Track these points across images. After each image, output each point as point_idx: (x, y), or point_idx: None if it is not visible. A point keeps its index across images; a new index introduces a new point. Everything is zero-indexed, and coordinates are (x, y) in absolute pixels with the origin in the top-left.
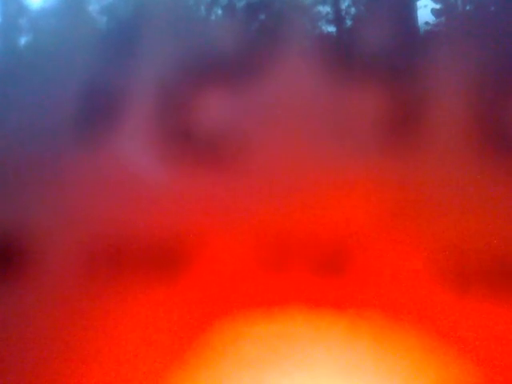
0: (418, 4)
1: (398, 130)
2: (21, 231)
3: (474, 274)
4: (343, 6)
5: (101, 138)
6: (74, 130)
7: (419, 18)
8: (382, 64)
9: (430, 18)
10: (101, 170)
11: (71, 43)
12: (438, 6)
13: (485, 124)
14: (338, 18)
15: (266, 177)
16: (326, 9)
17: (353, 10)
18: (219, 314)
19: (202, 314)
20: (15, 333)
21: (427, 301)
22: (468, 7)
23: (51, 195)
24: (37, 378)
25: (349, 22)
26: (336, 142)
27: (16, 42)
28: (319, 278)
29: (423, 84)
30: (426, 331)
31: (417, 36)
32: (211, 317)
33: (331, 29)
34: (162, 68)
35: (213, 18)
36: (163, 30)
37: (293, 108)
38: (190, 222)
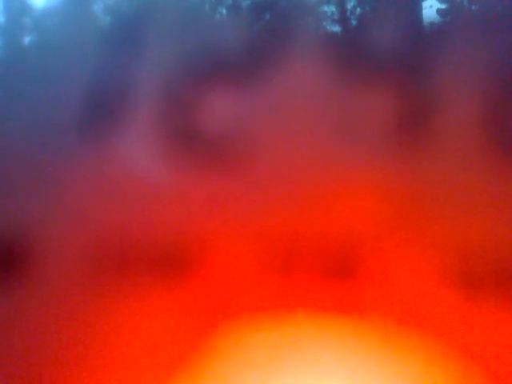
0: (424, 4)
1: (406, 132)
2: (23, 232)
3: (483, 278)
4: (348, 5)
5: (105, 138)
6: (78, 131)
7: (425, 19)
8: (388, 64)
9: (436, 19)
10: (105, 171)
11: (75, 42)
12: (443, 7)
13: (493, 126)
14: (343, 18)
15: (272, 180)
16: (331, 9)
17: (358, 10)
18: (224, 317)
19: (207, 318)
20: (17, 336)
21: (435, 305)
22: (474, 7)
23: (54, 196)
24: (39, 380)
25: (354, 22)
26: (343, 144)
27: (19, 41)
28: (325, 281)
29: (429, 85)
30: (434, 336)
31: (422, 36)
32: (216, 320)
33: (336, 29)
34: (166, 68)
35: (217, 17)
36: (168, 30)
37: (298, 109)
38: (195, 225)
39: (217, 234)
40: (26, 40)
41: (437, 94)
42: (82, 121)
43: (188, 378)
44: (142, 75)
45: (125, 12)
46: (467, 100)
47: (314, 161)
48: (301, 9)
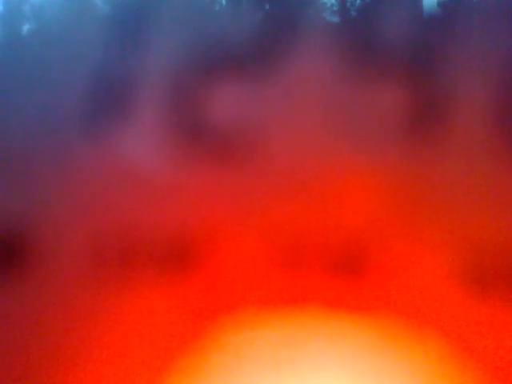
0: None
1: (414, 127)
2: (28, 226)
3: (495, 277)
4: None
5: (108, 131)
6: (80, 123)
7: (425, 10)
8: (387, 56)
9: (436, 9)
10: (108, 164)
11: (75, 31)
12: None
13: (502, 121)
14: (342, 9)
15: (281, 174)
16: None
17: (358, 1)
18: (228, 312)
19: (211, 312)
20: (18, 327)
21: (445, 304)
22: None
23: (56, 190)
24: (41, 373)
25: (354, 13)
26: (348, 139)
27: (19, 31)
28: (332, 278)
29: (432, 76)
30: (444, 334)
31: (423, 28)
32: (220, 315)
33: (336, 19)
34: (165, 58)
35: (217, 7)
36: (166, 18)
37: (301, 102)
38: (200, 219)
39: (222, 228)
40: (26, 29)
41: (440, 85)
42: (84, 112)
43: (190, 371)
44: (143, 65)
45: (125, 1)
46: (472, 91)
47: (321, 156)
48: None
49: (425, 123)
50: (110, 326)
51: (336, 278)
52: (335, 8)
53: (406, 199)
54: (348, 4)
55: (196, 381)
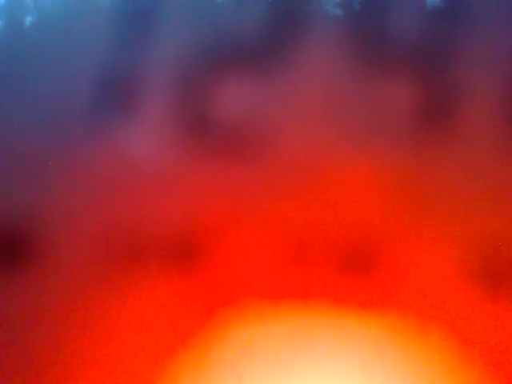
0: None
1: (423, 123)
2: (34, 221)
3: (501, 275)
4: None
5: (114, 124)
6: (84, 115)
7: (428, 1)
8: (390, 48)
9: (439, 2)
10: (115, 160)
11: (77, 23)
12: None
13: (509, 117)
14: (345, 2)
15: (288, 170)
16: None
17: None
18: (235, 307)
19: (218, 308)
20: (23, 322)
21: (452, 301)
22: None
23: (65, 184)
24: (44, 369)
25: (357, 6)
26: (358, 135)
27: (21, 22)
28: (340, 274)
29: (436, 70)
30: (450, 332)
31: (425, 19)
32: (227, 310)
33: (338, 12)
34: (167, 51)
35: (219, 0)
36: (169, 12)
37: (306, 94)
38: (208, 215)
39: (228, 224)
40: (28, 20)
41: (446, 79)
42: (86, 104)
43: (194, 365)
44: (145, 58)
45: None
46: (479, 86)
47: (329, 153)
48: None
49: (431, 120)
50: (114, 320)
51: (342, 274)
52: (338, 0)
53: (414, 197)
54: None
55: (200, 375)
